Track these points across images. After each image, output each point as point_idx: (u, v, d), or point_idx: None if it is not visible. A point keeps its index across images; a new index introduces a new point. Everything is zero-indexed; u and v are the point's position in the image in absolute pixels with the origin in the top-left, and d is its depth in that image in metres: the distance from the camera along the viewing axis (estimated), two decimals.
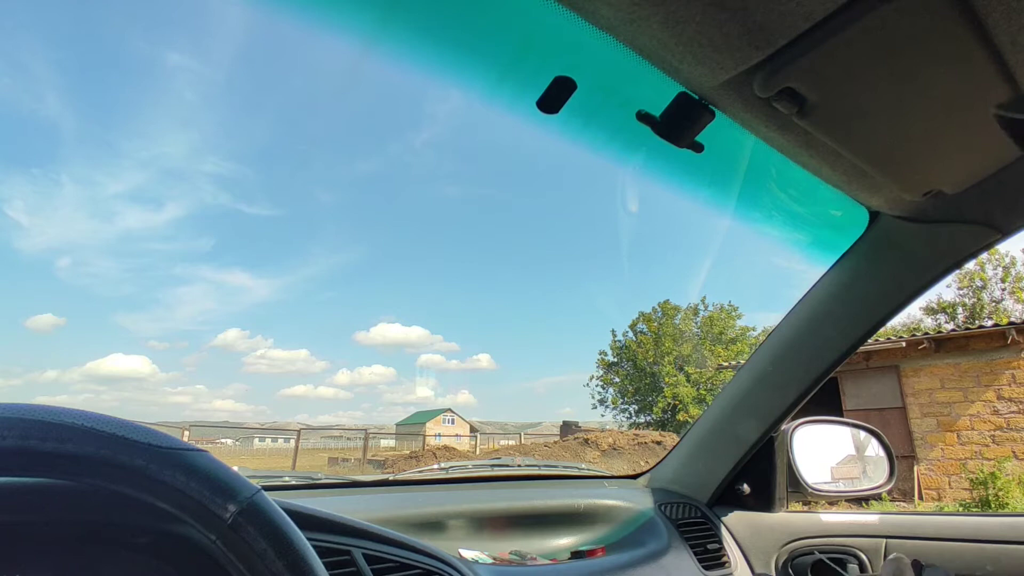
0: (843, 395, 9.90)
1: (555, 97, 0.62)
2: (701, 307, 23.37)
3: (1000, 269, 20.92)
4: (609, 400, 24.09)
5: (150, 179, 68.22)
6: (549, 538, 1.14)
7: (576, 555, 1.11)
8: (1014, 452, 8.06)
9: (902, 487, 8.85)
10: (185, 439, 0.50)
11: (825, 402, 9.51)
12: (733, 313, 23.19)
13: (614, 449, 11.12)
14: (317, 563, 0.45)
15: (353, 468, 15.55)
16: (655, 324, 22.95)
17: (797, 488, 1.27)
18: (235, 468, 0.46)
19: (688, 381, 20.74)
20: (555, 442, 12.75)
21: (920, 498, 8.76)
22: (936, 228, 0.88)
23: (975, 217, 0.84)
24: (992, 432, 8.34)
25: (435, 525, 1.02)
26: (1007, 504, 7.52)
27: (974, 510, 7.68)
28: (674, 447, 1.40)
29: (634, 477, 1.46)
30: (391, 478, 1.30)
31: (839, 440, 1.43)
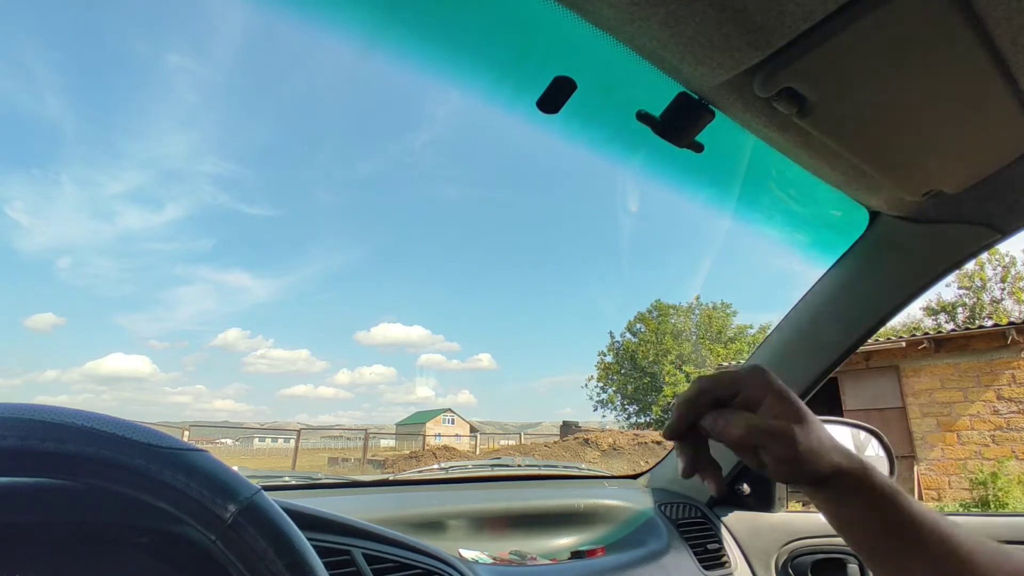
0: (843, 395, 9.89)
1: (555, 97, 0.62)
2: (696, 305, 23.46)
3: (1000, 269, 20.92)
4: (608, 400, 24.13)
5: (150, 180, 68.12)
6: (549, 538, 1.14)
7: (576, 555, 1.11)
8: (1014, 452, 8.06)
9: (902, 487, 8.83)
10: (185, 439, 0.50)
11: (825, 402, 9.50)
12: (727, 311, 23.27)
13: (614, 449, 11.12)
14: (317, 563, 0.45)
15: (353, 468, 15.54)
16: (654, 323, 23.00)
17: (797, 488, 1.27)
18: (235, 468, 0.46)
19: (687, 380, 20.73)
20: (555, 442, 12.77)
21: (920, 498, 8.73)
22: (936, 228, 0.88)
23: (975, 217, 0.84)
24: (992, 432, 8.33)
25: (435, 525, 1.02)
26: (1007, 504, 7.52)
27: (974, 510, 7.69)
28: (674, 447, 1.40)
29: (634, 477, 1.46)
30: (391, 478, 1.30)
31: (839, 440, 1.43)
